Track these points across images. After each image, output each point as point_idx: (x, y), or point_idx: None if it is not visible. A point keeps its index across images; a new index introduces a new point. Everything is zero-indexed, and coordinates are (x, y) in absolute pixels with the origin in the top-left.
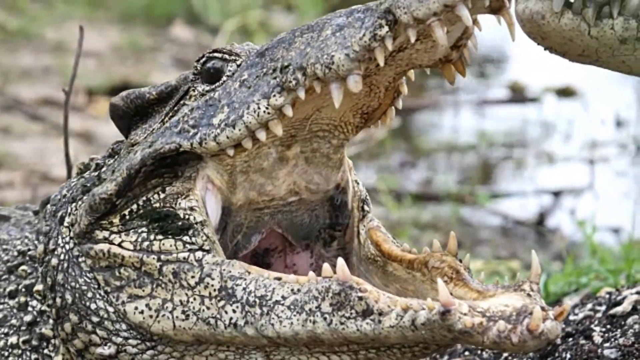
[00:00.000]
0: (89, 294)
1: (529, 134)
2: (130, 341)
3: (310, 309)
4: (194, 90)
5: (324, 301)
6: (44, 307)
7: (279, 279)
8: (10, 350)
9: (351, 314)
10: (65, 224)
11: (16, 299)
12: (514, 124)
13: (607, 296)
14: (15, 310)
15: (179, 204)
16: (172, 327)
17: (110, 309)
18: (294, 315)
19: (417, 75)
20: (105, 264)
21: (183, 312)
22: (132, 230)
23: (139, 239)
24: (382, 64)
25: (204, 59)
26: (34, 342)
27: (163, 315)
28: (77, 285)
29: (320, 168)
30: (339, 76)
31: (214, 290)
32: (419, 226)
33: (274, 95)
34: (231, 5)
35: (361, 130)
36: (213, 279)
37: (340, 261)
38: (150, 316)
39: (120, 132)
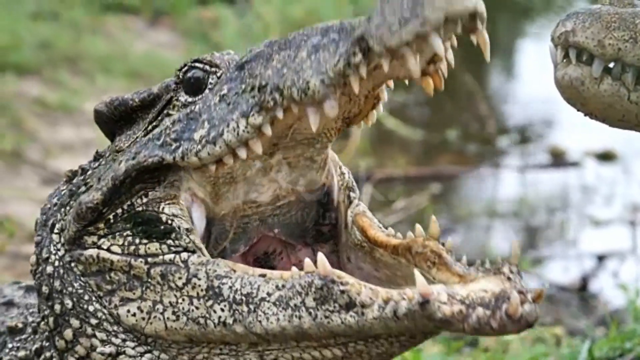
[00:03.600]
0: (86, 297)
1: (570, 198)
2: (128, 343)
3: (295, 305)
4: (176, 100)
5: (307, 296)
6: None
7: (264, 275)
8: None
9: (335, 307)
10: (56, 230)
11: (42, 356)
12: (555, 188)
13: None
14: None
15: (162, 208)
16: (164, 328)
17: (106, 311)
18: (280, 312)
19: (457, 141)
20: (95, 268)
21: (173, 312)
22: (118, 233)
23: (125, 243)
24: (356, 90)
25: (185, 68)
26: None
27: (155, 317)
28: (74, 290)
29: (304, 171)
30: (315, 101)
31: (202, 290)
32: None
33: (253, 115)
34: None
35: (342, 130)
36: (200, 279)
37: (320, 256)
38: (143, 318)
39: (105, 137)
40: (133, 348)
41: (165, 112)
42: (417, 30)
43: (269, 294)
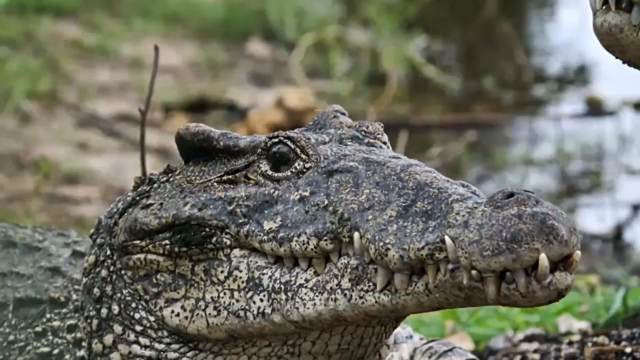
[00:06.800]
0: (133, 304)
1: (606, 147)
2: (172, 346)
3: (331, 288)
4: (257, 167)
5: (343, 278)
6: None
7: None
8: None
9: (369, 286)
10: (114, 235)
11: (73, 334)
12: (591, 137)
13: None
14: (70, 346)
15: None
16: (206, 325)
17: (152, 318)
18: (317, 296)
19: (493, 88)
20: (143, 272)
21: (215, 308)
22: (158, 242)
23: (165, 252)
24: (431, 282)
25: (275, 140)
26: None
27: (197, 314)
28: (122, 297)
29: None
30: (388, 267)
31: (242, 282)
32: None
33: (326, 240)
34: (307, 21)
35: None
36: (241, 271)
37: (357, 235)
38: (186, 317)
39: (180, 155)
40: (176, 350)
41: (244, 172)
42: (506, 264)
43: (306, 280)
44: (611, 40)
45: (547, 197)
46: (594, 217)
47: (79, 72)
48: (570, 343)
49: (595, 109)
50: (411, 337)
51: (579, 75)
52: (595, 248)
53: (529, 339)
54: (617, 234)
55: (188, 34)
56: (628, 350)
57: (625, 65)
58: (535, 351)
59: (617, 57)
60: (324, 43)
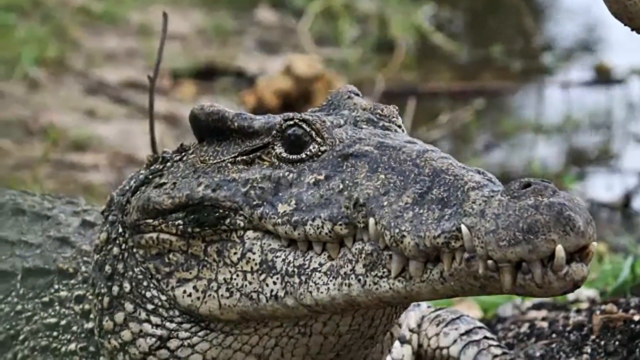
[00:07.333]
0: (145, 283)
1: (614, 115)
2: (183, 325)
3: (345, 272)
4: (272, 149)
5: (357, 263)
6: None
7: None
8: (69, 357)
9: (383, 272)
10: (126, 213)
11: (81, 305)
12: (599, 105)
13: None
14: (78, 317)
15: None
16: (218, 307)
17: (163, 297)
18: (330, 281)
19: (502, 56)
20: (155, 251)
21: (227, 289)
22: (171, 222)
23: (179, 232)
24: (447, 270)
25: (290, 122)
26: (92, 349)
27: (209, 295)
28: (134, 275)
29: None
30: (402, 254)
31: (255, 264)
32: None
33: (340, 225)
34: None
35: None
36: (254, 253)
37: (372, 221)
38: (198, 298)
39: (193, 134)
40: (187, 330)
41: (258, 153)
42: (523, 255)
43: (320, 264)
44: (619, 8)
45: (554, 166)
46: (602, 186)
47: (87, 39)
48: (579, 311)
49: (603, 77)
50: (418, 305)
51: (588, 43)
52: (604, 216)
53: (537, 306)
54: (625, 202)
55: (195, 1)
56: (636, 318)
57: (634, 32)
58: (543, 319)
59: (625, 25)
60: (332, 10)
